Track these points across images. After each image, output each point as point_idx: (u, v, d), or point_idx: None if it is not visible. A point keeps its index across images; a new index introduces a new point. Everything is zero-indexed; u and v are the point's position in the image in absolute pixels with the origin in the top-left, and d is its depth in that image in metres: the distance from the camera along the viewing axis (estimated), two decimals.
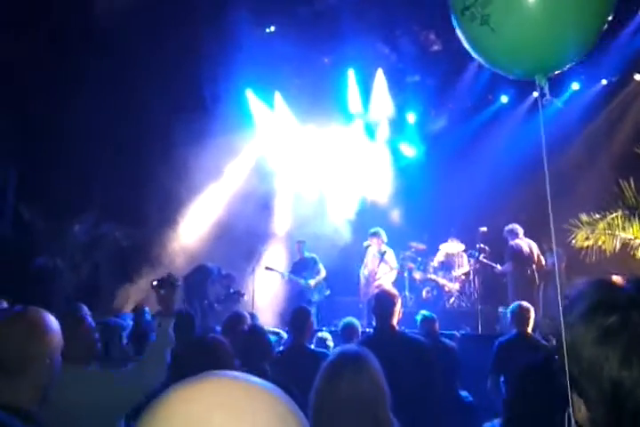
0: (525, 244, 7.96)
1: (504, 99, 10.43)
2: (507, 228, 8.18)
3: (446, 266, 9.52)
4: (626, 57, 9.10)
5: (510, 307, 5.11)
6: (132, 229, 9.29)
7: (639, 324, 0.90)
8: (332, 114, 10.79)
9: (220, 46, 9.26)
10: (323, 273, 8.74)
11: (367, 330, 5.96)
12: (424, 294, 9.38)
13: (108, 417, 2.30)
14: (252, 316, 5.69)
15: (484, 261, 8.53)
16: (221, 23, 9.39)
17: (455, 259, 9.49)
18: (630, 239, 6.40)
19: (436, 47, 10.00)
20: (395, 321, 3.93)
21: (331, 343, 5.25)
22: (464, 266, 9.35)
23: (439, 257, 9.54)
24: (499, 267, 8.36)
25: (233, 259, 9.49)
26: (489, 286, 8.84)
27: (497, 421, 2.98)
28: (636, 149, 6.53)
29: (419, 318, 5.37)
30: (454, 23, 2.13)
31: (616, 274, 1.02)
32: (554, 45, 1.99)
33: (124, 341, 4.12)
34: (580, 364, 0.94)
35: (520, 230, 8.03)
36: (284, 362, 3.86)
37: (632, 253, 6.40)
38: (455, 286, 9.25)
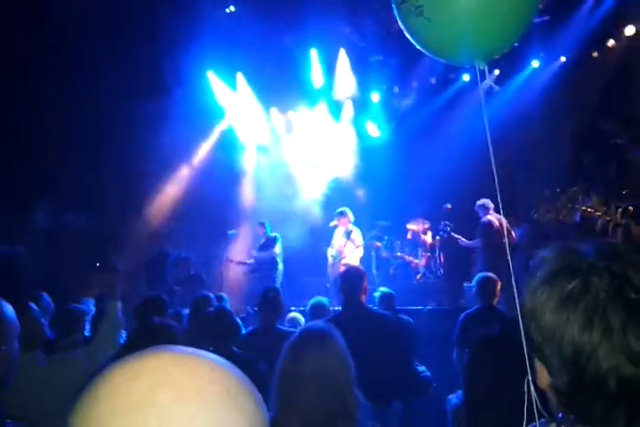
0: (496, 219, 7.83)
1: (466, 77, 10.49)
2: (478, 203, 8.02)
3: (412, 243, 9.64)
4: (583, 34, 9.23)
5: (475, 279, 5.11)
6: (95, 215, 9.12)
7: (600, 288, 0.91)
8: (296, 94, 10.71)
9: (178, 27, 9.06)
10: (276, 250, 8.74)
11: (335, 308, 6.01)
12: (391, 271, 9.50)
13: (60, 401, 2.30)
14: (221, 298, 5.68)
15: (456, 236, 8.44)
16: (180, 2, 9.19)
17: (421, 236, 9.60)
18: (590, 212, 6.56)
19: (398, 26, 9.93)
20: (362, 298, 3.97)
21: (303, 323, 5.27)
22: (430, 243, 9.47)
23: (407, 235, 9.66)
24: (464, 240, 8.32)
25: (201, 241, 9.46)
26: (454, 262, 8.98)
27: (461, 392, 3.05)
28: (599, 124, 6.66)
29: (377, 294, 5.41)
30: (397, 17, 2.20)
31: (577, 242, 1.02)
32: (488, 31, 2.03)
33: (87, 326, 4.08)
34: (542, 330, 0.95)
35: (491, 205, 7.89)
36: (254, 342, 3.86)
37: (592, 225, 6.57)
38: (421, 263, 9.37)
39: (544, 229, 7.34)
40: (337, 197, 10.06)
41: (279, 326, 4.29)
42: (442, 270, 8.85)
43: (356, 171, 10.76)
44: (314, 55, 10.59)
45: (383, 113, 11.28)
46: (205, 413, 0.59)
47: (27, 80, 8.01)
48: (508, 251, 2.36)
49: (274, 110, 11.26)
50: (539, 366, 1.00)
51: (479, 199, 8.21)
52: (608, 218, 5.97)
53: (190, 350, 0.68)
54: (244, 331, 4.08)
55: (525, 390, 1.43)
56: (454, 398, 3.04)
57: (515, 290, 1.81)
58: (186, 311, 4.87)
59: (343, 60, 10.68)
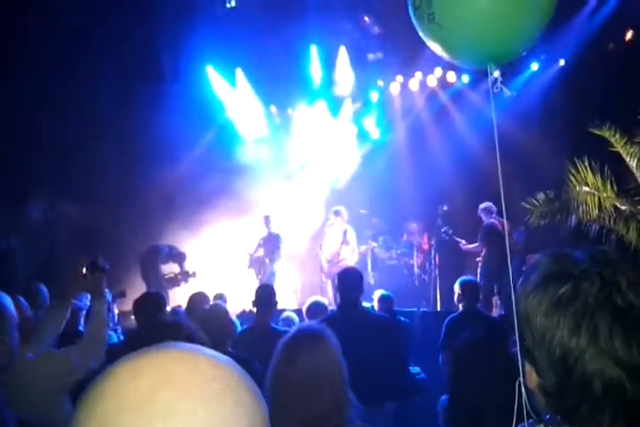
0: (499, 223, 7.57)
1: (465, 79, 10.47)
2: (481, 206, 7.81)
3: (408, 245, 9.64)
4: (583, 38, 9.23)
5: (458, 282, 5.08)
6: (89, 207, 9.07)
7: (589, 294, 0.93)
8: (295, 91, 10.68)
9: (179, 21, 9.03)
10: (282, 255, 8.77)
11: (331, 308, 6.00)
12: (386, 272, 9.49)
13: (44, 396, 2.34)
14: (221, 297, 5.69)
15: (457, 239, 8.30)
16: None
17: (417, 237, 9.60)
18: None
19: (398, 25, 9.90)
20: (359, 298, 3.96)
21: (297, 322, 5.24)
22: (425, 245, 9.46)
23: (403, 236, 9.66)
24: (464, 243, 8.19)
25: (196, 234, 9.45)
26: (450, 264, 8.95)
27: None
28: (590, 129, 6.67)
29: (376, 296, 5.43)
30: (413, 22, 2.34)
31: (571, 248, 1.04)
32: (500, 36, 2.14)
33: (82, 321, 4.06)
34: (533, 332, 0.98)
35: (494, 208, 7.65)
36: (248, 341, 3.85)
37: (586, 230, 6.57)
38: (417, 264, 9.36)
39: (539, 233, 7.31)
40: (335, 196, 10.05)
41: (273, 326, 4.28)
42: (437, 272, 8.84)
43: (355, 170, 10.74)
44: (314, 52, 10.56)
45: (382, 112, 11.25)
46: (208, 409, 0.61)
47: (21, 67, 7.94)
48: (508, 255, 2.39)
49: (273, 107, 11.21)
50: (528, 368, 1.03)
51: (476, 201, 8.14)
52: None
53: (192, 346, 0.69)
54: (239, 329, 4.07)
55: (516, 391, 1.46)
56: (446, 399, 3.04)
57: (512, 293, 1.81)
58: (180, 309, 4.86)
59: (343, 56, 10.65)
